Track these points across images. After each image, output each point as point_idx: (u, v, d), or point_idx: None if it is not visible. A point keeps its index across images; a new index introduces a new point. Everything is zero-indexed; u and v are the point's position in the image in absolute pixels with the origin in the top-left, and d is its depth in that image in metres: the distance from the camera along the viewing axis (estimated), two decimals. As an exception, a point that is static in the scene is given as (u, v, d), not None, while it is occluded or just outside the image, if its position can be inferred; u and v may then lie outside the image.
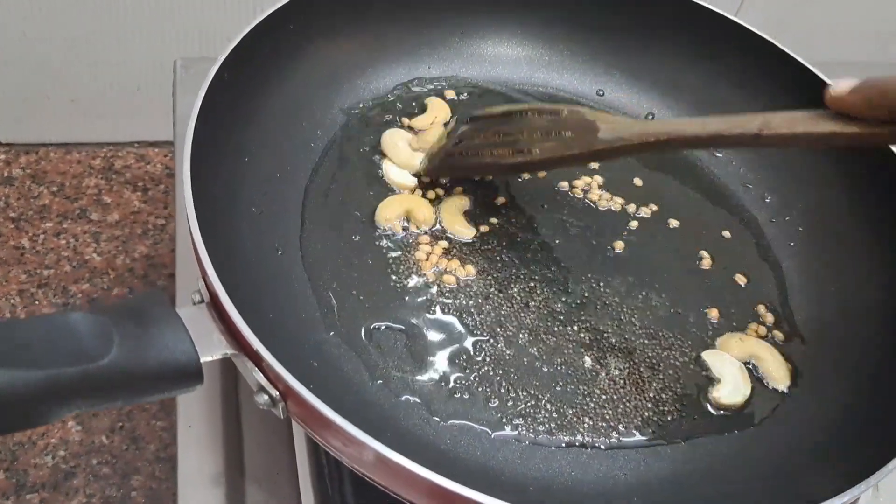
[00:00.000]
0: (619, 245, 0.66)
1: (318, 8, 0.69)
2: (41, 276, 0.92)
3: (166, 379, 0.42)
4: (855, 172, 0.69)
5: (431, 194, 0.67)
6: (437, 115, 0.72)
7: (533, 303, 0.62)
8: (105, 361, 0.40)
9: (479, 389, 0.57)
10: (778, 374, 0.60)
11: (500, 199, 0.68)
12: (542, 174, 0.71)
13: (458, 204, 0.66)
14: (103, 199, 1.02)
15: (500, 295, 0.62)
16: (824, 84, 0.68)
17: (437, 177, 0.67)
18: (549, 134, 0.60)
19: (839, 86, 0.50)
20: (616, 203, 0.70)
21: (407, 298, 0.60)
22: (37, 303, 0.88)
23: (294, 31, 0.68)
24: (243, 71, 0.63)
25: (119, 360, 0.40)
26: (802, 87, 0.70)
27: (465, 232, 0.65)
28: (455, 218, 0.65)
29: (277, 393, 0.46)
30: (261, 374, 0.46)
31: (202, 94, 0.58)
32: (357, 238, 0.63)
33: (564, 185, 0.70)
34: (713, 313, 0.63)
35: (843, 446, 0.55)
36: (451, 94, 0.76)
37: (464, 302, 0.61)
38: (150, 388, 0.42)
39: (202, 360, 0.44)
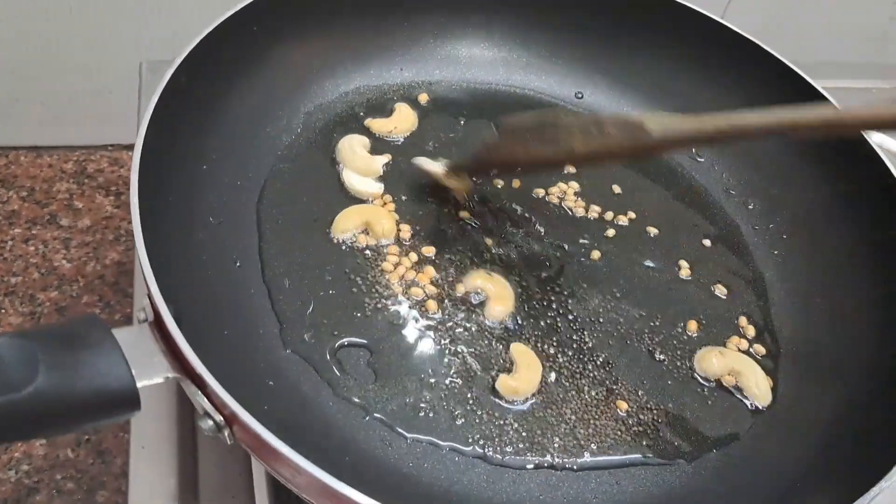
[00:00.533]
0: (596, 254, 0.64)
1: (285, 9, 0.66)
2: (8, 284, 0.89)
3: (99, 407, 0.40)
4: (843, 178, 0.66)
5: (391, 206, 0.64)
6: (399, 123, 0.69)
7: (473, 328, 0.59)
8: (29, 390, 0.37)
9: (446, 407, 0.54)
10: (759, 391, 0.57)
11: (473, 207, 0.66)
12: (516, 183, 0.68)
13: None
14: (74, 204, 0.99)
15: (470, 308, 0.59)
16: (809, 85, 0.66)
17: (470, 172, 0.65)
18: (588, 132, 0.57)
19: None
20: (593, 211, 0.67)
21: (371, 313, 0.58)
22: (3, 311, 0.86)
23: (259, 33, 0.65)
24: (203, 75, 0.61)
25: (45, 388, 0.37)
26: (787, 89, 0.68)
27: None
28: None
29: (222, 418, 0.44)
30: (205, 399, 0.44)
31: (155, 99, 0.55)
32: (321, 250, 0.61)
33: (540, 192, 0.68)
34: (692, 326, 0.61)
35: (826, 465, 0.53)
36: (424, 98, 0.73)
37: (431, 316, 0.58)
38: (82, 418, 0.40)
39: (140, 384, 0.42)
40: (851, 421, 0.54)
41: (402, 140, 0.69)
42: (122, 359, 0.40)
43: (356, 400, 0.53)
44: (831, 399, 0.56)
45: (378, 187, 0.65)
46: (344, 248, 0.61)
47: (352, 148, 0.66)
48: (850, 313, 0.61)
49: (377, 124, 0.69)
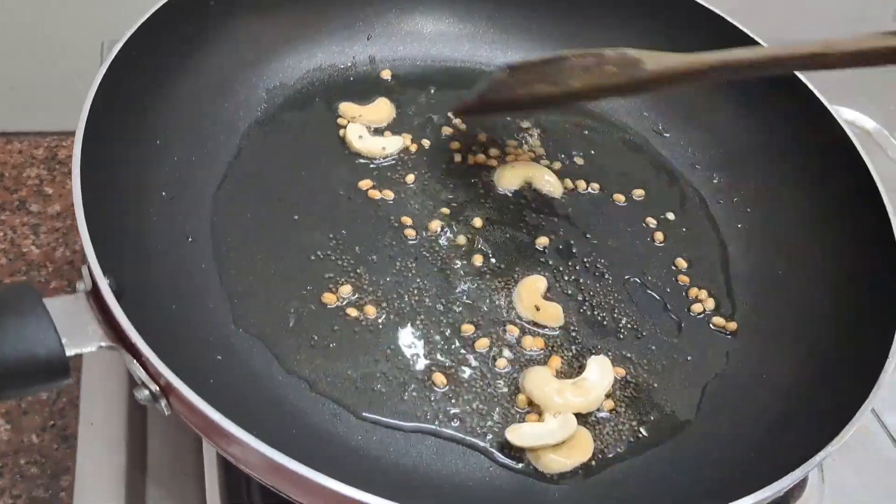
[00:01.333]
0: (543, 238, 0.63)
1: (240, -17, 0.65)
2: (-24, 270, 0.88)
3: (25, 374, 0.39)
4: (807, 153, 0.66)
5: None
6: (366, 112, 0.68)
7: (461, 288, 0.58)
8: (-52, 355, 0.36)
9: (397, 380, 0.53)
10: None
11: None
12: (480, 157, 0.67)
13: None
14: (45, 190, 0.98)
15: (425, 282, 0.58)
16: (794, 78, 0.65)
17: (469, 115, 0.67)
18: (589, 70, 0.58)
19: None
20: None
21: (324, 286, 0.57)
22: (-30, 297, 0.84)
23: (215, 6, 0.65)
24: (156, 49, 0.60)
25: (-35, 353, 0.36)
26: (768, 78, 0.67)
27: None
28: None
29: (157, 388, 0.43)
30: (140, 368, 0.43)
31: (101, 72, 0.55)
32: (277, 229, 0.60)
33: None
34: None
35: (780, 433, 0.52)
36: (386, 74, 0.72)
37: (385, 291, 0.57)
38: (7, 384, 0.39)
39: (71, 352, 0.41)
40: (806, 390, 0.53)
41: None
42: (50, 326, 0.40)
43: (304, 373, 0.52)
44: (788, 369, 0.55)
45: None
46: (300, 225, 0.60)
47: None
48: (811, 286, 0.60)
49: (347, 108, 0.68)
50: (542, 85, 0.59)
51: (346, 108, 0.68)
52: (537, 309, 0.57)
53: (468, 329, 0.56)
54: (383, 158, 0.65)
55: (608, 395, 0.54)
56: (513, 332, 0.57)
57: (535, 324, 0.57)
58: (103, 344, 0.43)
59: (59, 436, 0.84)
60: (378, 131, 0.68)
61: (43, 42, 0.99)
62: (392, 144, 0.66)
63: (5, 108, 1.04)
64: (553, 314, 0.58)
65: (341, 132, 0.66)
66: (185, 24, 0.62)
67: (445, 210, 0.63)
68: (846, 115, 0.88)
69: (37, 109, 1.06)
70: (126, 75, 0.56)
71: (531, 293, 0.58)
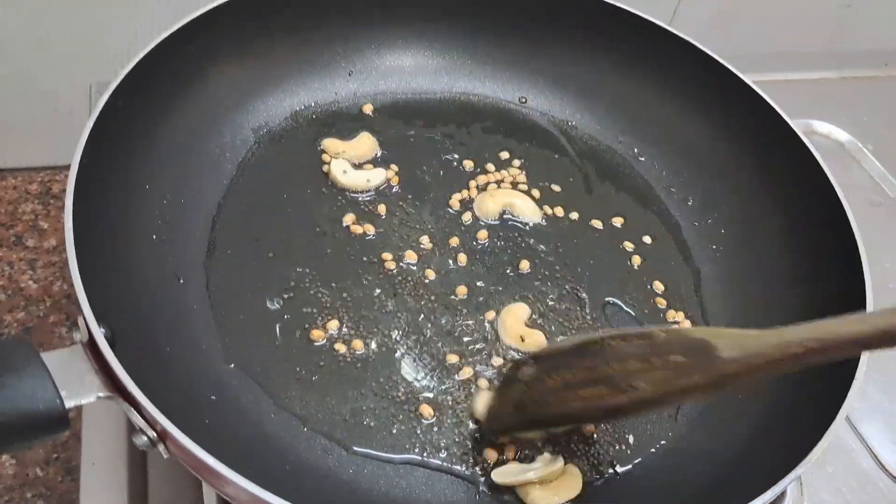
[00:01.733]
0: (525, 265, 0.65)
1: (221, 28, 0.67)
2: (-25, 307, 0.90)
3: (26, 428, 0.41)
4: (775, 172, 0.68)
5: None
6: (349, 148, 0.70)
7: (445, 319, 0.61)
8: (-47, 416, 0.38)
9: (385, 413, 0.55)
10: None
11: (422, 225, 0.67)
12: (463, 192, 0.69)
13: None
14: (40, 225, 1.00)
15: (409, 315, 0.60)
16: (748, 87, 0.67)
17: (505, 433, 0.54)
18: (650, 362, 0.46)
19: None
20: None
21: (313, 322, 0.59)
22: (-30, 334, 0.86)
23: (195, 53, 0.66)
24: (141, 96, 0.62)
25: (-32, 412, 0.39)
26: (726, 90, 0.70)
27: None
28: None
29: (155, 434, 0.45)
30: (137, 416, 0.45)
31: (91, 122, 0.56)
32: (263, 263, 0.62)
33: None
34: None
35: (756, 452, 0.54)
36: (368, 108, 0.74)
37: (371, 325, 0.59)
38: (9, 439, 0.41)
39: (70, 404, 0.43)
40: (782, 406, 0.55)
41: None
42: (48, 381, 0.42)
43: (297, 411, 0.54)
44: (763, 386, 0.57)
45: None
46: (287, 261, 0.62)
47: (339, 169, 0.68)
48: (782, 304, 0.62)
49: (331, 144, 0.70)
50: (595, 389, 0.47)
51: (329, 144, 0.70)
52: (522, 339, 0.59)
53: (453, 359, 0.58)
54: (366, 192, 0.67)
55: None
56: (497, 361, 0.59)
57: (520, 352, 0.59)
58: (101, 394, 0.45)
59: (63, 468, 0.86)
60: (360, 166, 0.70)
61: (33, 83, 1.01)
62: (376, 177, 0.68)
63: (-1, 146, 1.06)
64: (537, 342, 0.60)
65: (325, 167, 0.68)
66: (170, 70, 0.64)
67: (427, 242, 0.65)
68: (820, 129, 0.91)
69: (29, 146, 1.08)
70: (114, 124, 0.58)
71: (515, 322, 0.60)
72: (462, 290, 0.62)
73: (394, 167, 0.70)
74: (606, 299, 0.64)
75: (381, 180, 0.68)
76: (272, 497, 0.42)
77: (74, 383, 0.44)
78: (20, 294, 0.98)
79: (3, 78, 0.99)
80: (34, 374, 0.41)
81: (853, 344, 0.42)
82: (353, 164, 0.69)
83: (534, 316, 0.62)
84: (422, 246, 0.65)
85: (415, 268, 0.63)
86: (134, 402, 0.44)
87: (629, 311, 0.63)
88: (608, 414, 0.49)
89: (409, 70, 0.77)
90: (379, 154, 0.71)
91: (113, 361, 0.45)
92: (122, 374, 0.45)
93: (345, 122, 0.73)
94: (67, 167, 1.11)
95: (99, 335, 0.46)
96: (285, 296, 0.60)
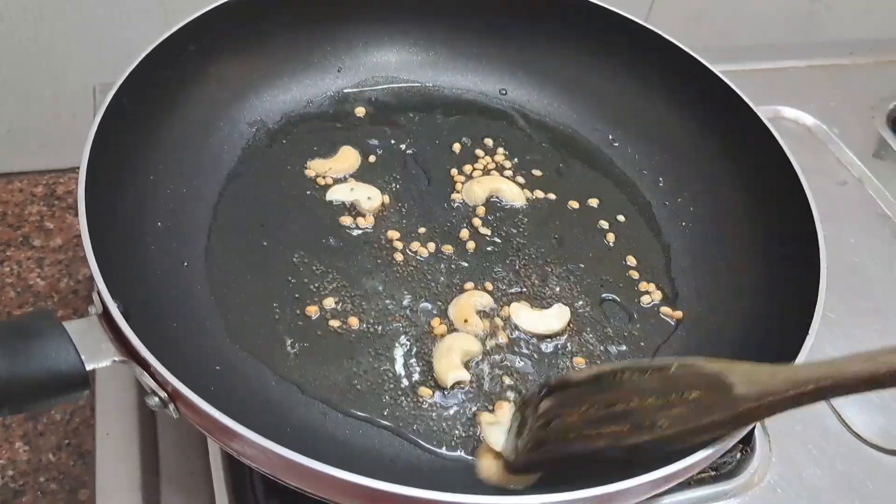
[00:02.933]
0: (471, 246, 0.69)
1: (217, 29, 0.72)
2: (-14, 305, 0.94)
3: (52, 388, 0.45)
4: (739, 152, 0.72)
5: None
6: (335, 164, 0.74)
7: (431, 297, 0.65)
8: (-13, 375, 0.43)
9: (378, 381, 0.59)
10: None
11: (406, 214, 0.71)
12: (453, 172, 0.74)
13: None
14: (46, 225, 1.05)
15: (401, 297, 0.65)
16: (726, 86, 0.72)
17: (528, 472, 0.52)
18: (667, 397, 0.46)
19: None
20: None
21: (309, 299, 0.63)
22: (-18, 330, 0.90)
23: (195, 53, 0.71)
24: (144, 94, 0.66)
25: (1, 373, 0.43)
26: (698, 82, 0.74)
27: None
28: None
29: (166, 395, 0.49)
30: (149, 378, 0.49)
31: (97, 120, 0.61)
32: (261, 247, 0.66)
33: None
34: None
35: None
36: (360, 111, 0.79)
37: (366, 306, 0.64)
38: (37, 397, 0.45)
39: (89, 367, 0.47)
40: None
41: (345, 177, 0.74)
42: (70, 345, 0.46)
43: (294, 379, 0.59)
44: (728, 348, 0.62)
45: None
46: (284, 247, 0.66)
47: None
48: (748, 275, 0.66)
49: (316, 165, 0.73)
50: (617, 426, 0.47)
51: (315, 165, 0.73)
52: (466, 321, 0.63)
53: (440, 329, 0.63)
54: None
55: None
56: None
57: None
58: (116, 359, 0.49)
59: (74, 453, 0.90)
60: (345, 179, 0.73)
61: (38, 87, 1.05)
62: (375, 195, 0.71)
63: (4, 151, 1.11)
64: (474, 330, 0.63)
65: (327, 197, 0.71)
66: (170, 69, 0.69)
67: (420, 228, 0.70)
68: (788, 115, 0.95)
69: (34, 150, 1.12)
70: (119, 120, 0.62)
71: (466, 307, 0.64)
72: (452, 273, 0.66)
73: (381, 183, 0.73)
74: (583, 274, 0.68)
75: (378, 204, 0.71)
76: (274, 445, 0.46)
77: (93, 349, 0.48)
78: (29, 291, 1.02)
79: (8, 87, 1.04)
80: (59, 339, 0.46)
81: (864, 383, 0.43)
82: (349, 186, 0.72)
83: (516, 289, 0.66)
84: (417, 231, 0.69)
85: (410, 252, 0.67)
86: (146, 365, 0.49)
87: (605, 284, 0.67)
88: (630, 452, 0.47)
89: (394, 65, 0.82)
90: (364, 161, 0.74)
91: (126, 329, 0.49)
92: (134, 340, 0.49)
93: (335, 114, 0.78)
94: (71, 170, 1.16)
95: (113, 307, 0.50)
96: (281, 276, 0.64)
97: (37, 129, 1.10)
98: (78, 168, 1.08)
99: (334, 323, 0.62)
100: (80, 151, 0.65)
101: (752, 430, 0.64)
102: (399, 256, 0.67)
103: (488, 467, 0.54)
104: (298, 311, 0.62)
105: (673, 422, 0.46)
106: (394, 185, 0.72)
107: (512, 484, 0.52)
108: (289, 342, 0.61)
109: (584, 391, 0.49)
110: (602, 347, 0.63)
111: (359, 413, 0.58)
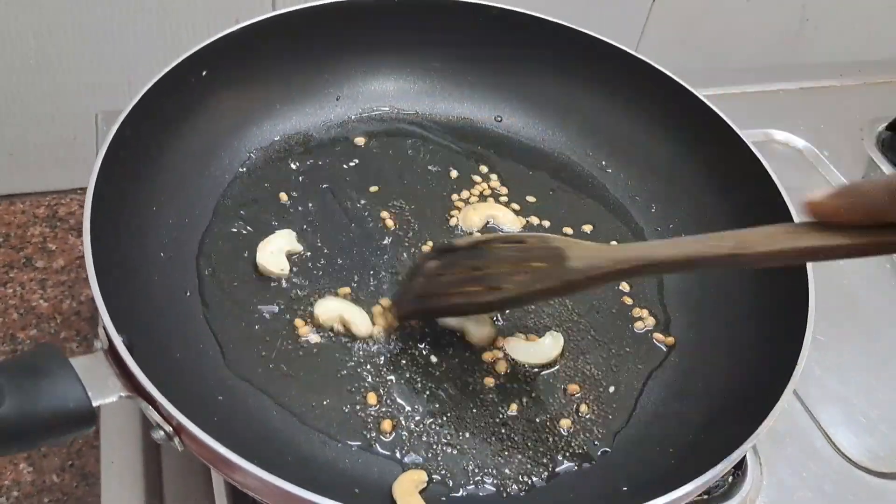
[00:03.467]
0: None
1: (219, 60, 0.73)
2: (-11, 327, 0.95)
3: (60, 425, 0.47)
4: (726, 177, 0.74)
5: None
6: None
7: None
8: (-4, 416, 0.44)
9: (376, 413, 0.61)
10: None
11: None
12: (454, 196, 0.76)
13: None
14: (48, 247, 1.06)
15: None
16: (713, 113, 0.73)
17: (408, 319, 0.65)
18: (517, 265, 0.57)
19: (818, 193, 0.46)
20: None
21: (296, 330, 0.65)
22: (-14, 352, 0.92)
23: (197, 84, 0.72)
24: (147, 126, 0.67)
25: (10, 412, 0.44)
26: (688, 111, 0.76)
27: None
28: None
29: (171, 428, 0.51)
30: (154, 412, 0.50)
31: (103, 151, 0.62)
32: (255, 283, 0.67)
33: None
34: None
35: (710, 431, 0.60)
36: (360, 140, 0.80)
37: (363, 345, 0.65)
38: (45, 435, 0.47)
39: (96, 403, 0.48)
40: (735, 388, 0.62)
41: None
42: (77, 383, 0.47)
43: (295, 409, 0.60)
44: (718, 374, 0.63)
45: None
46: (274, 283, 0.68)
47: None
48: (738, 303, 0.68)
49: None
50: (474, 287, 0.58)
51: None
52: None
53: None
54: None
55: (567, 415, 0.62)
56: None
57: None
58: (122, 394, 0.50)
59: (78, 474, 0.91)
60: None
61: (41, 110, 1.06)
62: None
63: (6, 173, 1.12)
64: None
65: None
66: (172, 101, 0.70)
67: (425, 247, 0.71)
68: (779, 137, 0.97)
69: (36, 171, 1.14)
70: (122, 151, 0.63)
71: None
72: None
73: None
74: (578, 299, 0.69)
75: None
76: (277, 479, 0.47)
77: (99, 385, 0.50)
78: (32, 312, 1.03)
79: (9, 110, 1.05)
80: (66, 377, 0.47)
81: (669, 265, 0.53)
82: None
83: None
84: (419, 248, 0.71)
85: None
86: (151, 400, 0.50)
87: (599, 309, 0.69)
88: (481, 308, 0.61)
89: (392, 94, 0.83)
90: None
91: (132, 365, 0.51)
92: (140, 376, 0.50)
93: (334, 138, 0.79)
94: (73, 191, 1.17)
95: (119, 343, 0.51)
96: (277, 306, 0.66)
97: (40, 151, 1.11)
98: (80, 189, 1.09)
99: (332, 348, 0.64)
100: (81, 172, 0.67)
101: (745, 455, 0.65)
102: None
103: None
104: (292, 340, 0.64)
105: (516, 286, 0.56)
106: (394, 209, 0.74)
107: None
108: (284, 369, 0.62)
109: (460, 256, 0.60)
110: (598, 372, 0.65)
111: (356, 443, 0.59)
